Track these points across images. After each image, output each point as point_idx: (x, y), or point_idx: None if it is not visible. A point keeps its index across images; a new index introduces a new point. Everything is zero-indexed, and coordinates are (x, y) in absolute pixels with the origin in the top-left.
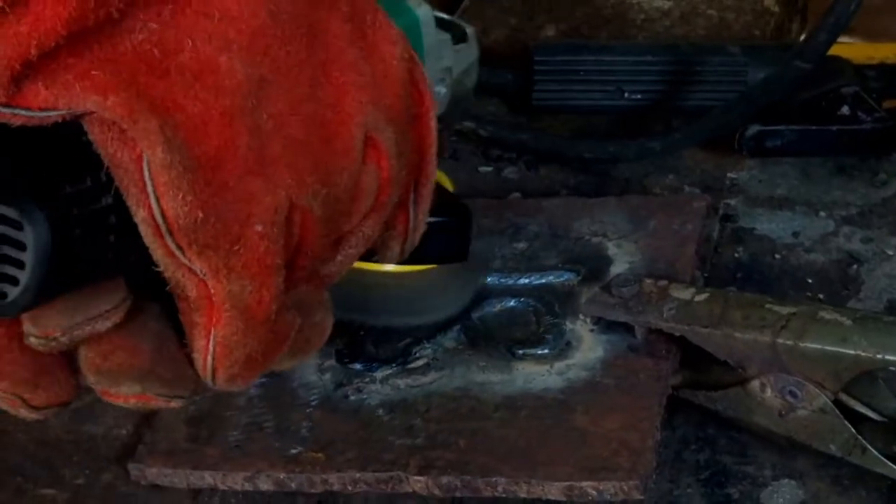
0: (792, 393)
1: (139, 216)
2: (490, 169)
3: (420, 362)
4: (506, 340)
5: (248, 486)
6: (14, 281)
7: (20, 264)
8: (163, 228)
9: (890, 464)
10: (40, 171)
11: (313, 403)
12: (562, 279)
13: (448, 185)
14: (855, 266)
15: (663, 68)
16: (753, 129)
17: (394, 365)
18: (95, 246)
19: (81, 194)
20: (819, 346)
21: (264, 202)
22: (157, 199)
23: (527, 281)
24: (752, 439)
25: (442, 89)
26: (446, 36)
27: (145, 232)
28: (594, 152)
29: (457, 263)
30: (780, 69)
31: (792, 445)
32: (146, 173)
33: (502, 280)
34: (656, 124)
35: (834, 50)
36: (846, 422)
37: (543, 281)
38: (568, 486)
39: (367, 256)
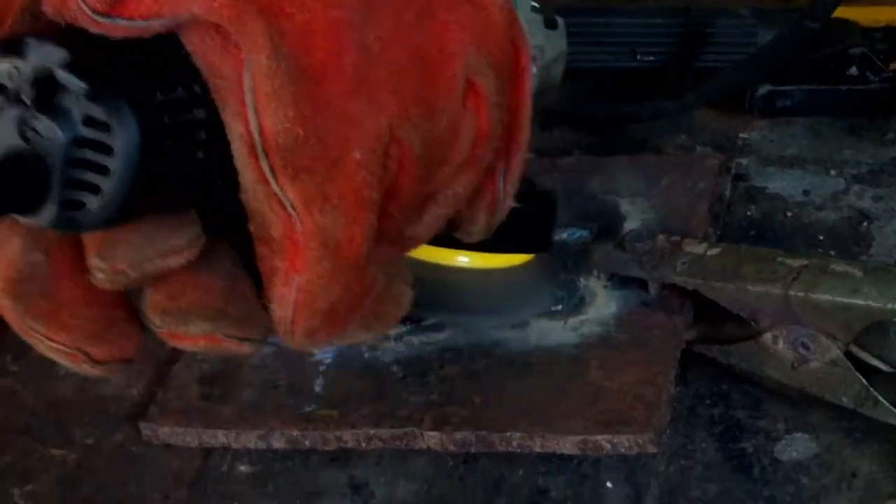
0: (804, 345)
1: (235, 132)
2: None
3: (434, 319)
4: None
5: (261, 445)
6: (95, 190)
7: (104, 171)
8: (258, 147)
9: None
10: (131, 76)
11: (327, 361)
12: (574, 236)
13: None
14: (865, 223)
15: (674, 31)
16: (764, 90)
17: (408, 323)
18: (183, 161)
19: (173, 103)
20: (830, 298)
21: (365, 126)
22: (257, 112)
23: None
24: (765, 394)
25: (533, 68)
26: (538, 17)
27: (239, 150)
28: (608, 113)
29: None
30: (789, 29)
31: (804, 398)
32: (247, 82)
33: None
34: (668, 86)
35: (840, 13)
36: (857, 374)
37: (556, 238)
38: (582, 439)
39: (451, 230)
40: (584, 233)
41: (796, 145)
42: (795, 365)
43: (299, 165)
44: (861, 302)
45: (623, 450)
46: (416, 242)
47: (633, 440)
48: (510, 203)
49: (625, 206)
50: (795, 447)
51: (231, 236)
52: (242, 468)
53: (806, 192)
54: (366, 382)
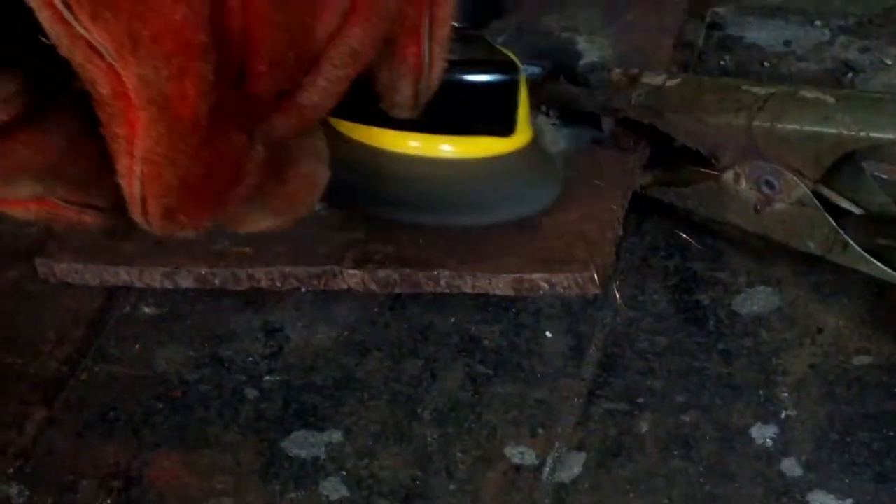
0: (768, 183)
1: None
2: None
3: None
4: None
5: (167, 284)
6: None
7: None
8: None
9: (872, 260)
10: None
11: None
12: (525, 73)
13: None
14: (850, 75)
15: None
16: None
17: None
18: None
19: None
20: (798, 127)
21: None
22: None
23: None
24: (726, 246)
25: None
26: None
27: None
28: None
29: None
30: None
31: (769, 250)
32: None
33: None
34: None
35: None
36: (826, 214)
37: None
38: (517, 278)
39: (375, 103)
40: (536, 70)
41: None
42: (759, 207)
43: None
44: (832, 130)
45: (562, 290)
46: (316, 111)
47: (573, 279)
48: (441, 64)
49: (582, 43)
50: (756, 300)
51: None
52: (147, 309)
53: (787, 43)
54: None
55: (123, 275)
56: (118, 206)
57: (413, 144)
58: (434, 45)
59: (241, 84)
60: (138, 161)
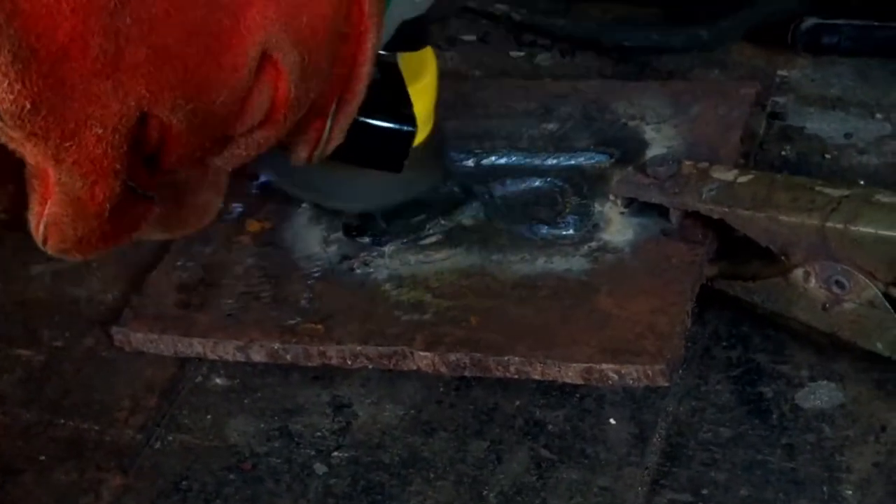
0: (839, 283)
1: None
2: (522, 54)
3: (433, 238)
4: (528, 220)
5: (239, 357)
6: None
7: None
8: None
9: None
10: None
11: (315, 275)
12: (593, 161)
13: (432, 67)
14: None
15: None
16: (809, 23)
17: (405, 240)
18: None
19: None
20: (873, 231)
21: (110, 107)
22: None
23: (555, 161)
24: (789, 339)
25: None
26: None
27: None
28: (635, 40)
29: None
30: None
31: (833, 344)
32: None
33: (528, 160)
34: (703, 15)
35: None
36: None
37: (573, 162)
38: (586, 368)
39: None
40: (603, 157)
41: (840, 86)
42: (827, 305)
43: (30, 130)
44: None
45: (631, 381)
46: (219, 170)
47: (643, 371)
48: (339, 141)
49: (649, 132)
50: (819, 395)
51: None
52: (218, 381)
53: (847, 136)
54: (355, 299)
55: (197, 346)
56: (10, 210)
57: None
58: (335, 126)
59: (153, 162)
60: (46, 213)
